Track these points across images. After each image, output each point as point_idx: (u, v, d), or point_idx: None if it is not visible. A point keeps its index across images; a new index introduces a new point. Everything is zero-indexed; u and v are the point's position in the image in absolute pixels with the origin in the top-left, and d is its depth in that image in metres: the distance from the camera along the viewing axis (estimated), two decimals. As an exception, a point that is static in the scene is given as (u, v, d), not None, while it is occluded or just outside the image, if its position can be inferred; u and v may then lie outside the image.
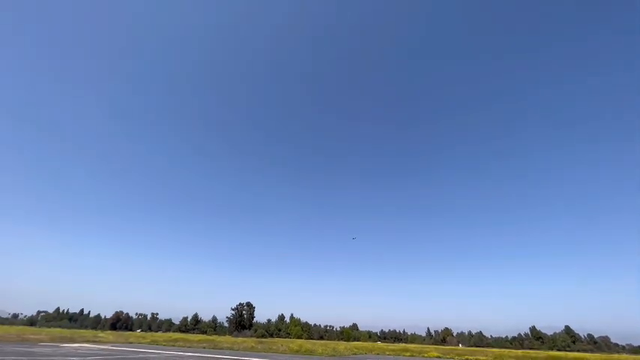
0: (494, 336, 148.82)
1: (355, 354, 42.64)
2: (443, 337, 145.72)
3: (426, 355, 45.42)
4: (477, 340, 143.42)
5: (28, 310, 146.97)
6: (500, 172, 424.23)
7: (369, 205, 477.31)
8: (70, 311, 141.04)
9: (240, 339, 66.72)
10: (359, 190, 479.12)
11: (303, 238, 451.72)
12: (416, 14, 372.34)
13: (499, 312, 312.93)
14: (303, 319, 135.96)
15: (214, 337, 75.88)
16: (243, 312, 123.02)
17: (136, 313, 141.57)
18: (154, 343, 43.73)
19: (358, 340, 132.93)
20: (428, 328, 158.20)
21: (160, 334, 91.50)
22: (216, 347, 41.29)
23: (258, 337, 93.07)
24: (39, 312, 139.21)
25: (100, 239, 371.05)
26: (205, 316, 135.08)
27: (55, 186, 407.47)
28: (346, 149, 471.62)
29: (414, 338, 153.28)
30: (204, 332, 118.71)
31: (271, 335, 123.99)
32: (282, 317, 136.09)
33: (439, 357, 41.63)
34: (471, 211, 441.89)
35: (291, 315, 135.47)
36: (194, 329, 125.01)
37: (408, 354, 46.98)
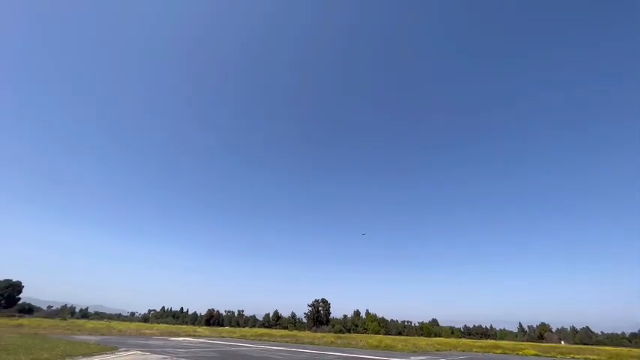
0: (605, 332, 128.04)
1: (438, 350, 40.71)
2: (539, 334, 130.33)
3: (520, 352, 41.23)
4: (584, 336, 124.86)
5: (142, 309, 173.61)
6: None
7: (448, 199, 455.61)
8: (173, 309, 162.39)
9: (319, 334, 69.02)
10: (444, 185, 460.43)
11: (377, 235, 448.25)
12: (423, 14, 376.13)
13: (609, 304, 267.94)
14: (379, 315, 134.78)
15: (295, 332, 79.84)
16: (319, 308, 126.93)
17: (225, 311, 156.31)
18: (243, 338, 47.74)
19: (439, 336, 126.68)
20: (520, 323, 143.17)
21: (246, 329, 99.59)
22: (298, 342, 43.32)
23: (336, 333, 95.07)
24: (149, 310, 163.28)
25: (194, 247, 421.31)
26: (284, 313, 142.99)
27: (148, 204, 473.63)
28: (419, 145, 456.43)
29: (504, 334, 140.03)
30: (285, 327, 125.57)
31: (348, 331, 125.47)
32: (357, 313, 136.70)
33: (537, 355, 37.42)
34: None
35: (367, 310, 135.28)
36: (276, 325, 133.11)
37: (499, 351, 43.18)
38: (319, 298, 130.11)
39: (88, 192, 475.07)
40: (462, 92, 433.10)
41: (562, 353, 40.97)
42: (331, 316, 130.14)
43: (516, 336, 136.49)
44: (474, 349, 44.95)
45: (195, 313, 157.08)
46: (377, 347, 37.51)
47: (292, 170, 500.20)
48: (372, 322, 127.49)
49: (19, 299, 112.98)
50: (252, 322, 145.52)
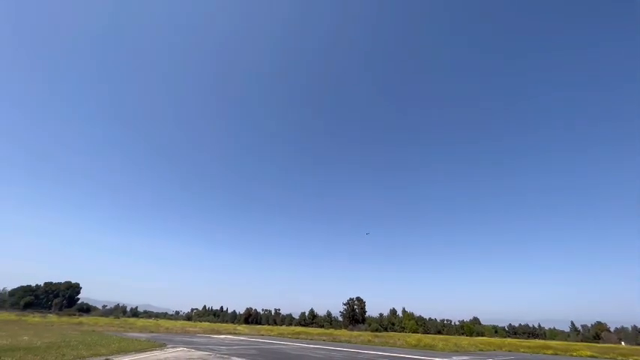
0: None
1: (482, 350, 38.94)
2: (595, 333, 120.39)
3: (575, 353, 38.30)
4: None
5: (185, 308, 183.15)
6: None
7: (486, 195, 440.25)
8: (213, 308, 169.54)
9: (355, 332, 68.71)
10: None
11: (407, 235, 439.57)
12: (426, 19, 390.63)
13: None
14: (416, 314, 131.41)
15: (331, 330, 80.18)
16: (355, 306, 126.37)
17: (263, 309, 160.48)
18: (281, 336, 48.72)
19: (482, 335, 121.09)
20: (572, 322, 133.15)
21: (283, 327, 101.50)
22: (335, 340, 43.41)
23: (372, 331, 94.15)
24: (192, 309, 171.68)
25: (231, 249, 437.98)
26: (319, 311, 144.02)
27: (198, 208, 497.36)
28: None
29: (554, 334, 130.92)
30: (321, 326, 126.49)
31: (385, 329, 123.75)
32: (393, 312, 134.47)
33: (594, 357, 34.56)
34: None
35: (403, 309, 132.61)
36: (312, 323, 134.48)
37: (550, 352, 40.42)
38: (354, 296, 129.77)
39: (136, 201, 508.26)
40: (465, 93, 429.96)
41: (623, 355, 37.43)
42: (367, 314, 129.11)
43: (568, 336, 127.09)
44: (521, 350, 42.45)
45: (234, 312, 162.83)
46: (416, 346, 36.64)
47: (326, 172, 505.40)
48: (409, 320, 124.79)
49: (78, 299, 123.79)
50: (288, 320, 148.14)
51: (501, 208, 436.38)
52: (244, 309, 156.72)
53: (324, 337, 46.53)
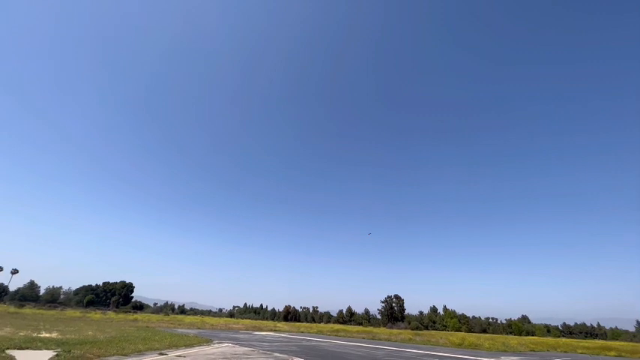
0: None
1: (533, 350, 36.58)
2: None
3: (643, 355, 34.67)
4: None
5: (227, 306, 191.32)
6: None
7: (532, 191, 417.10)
8: (254, 306, 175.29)
9: (395, 330, 67.61)
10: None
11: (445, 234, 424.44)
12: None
13: None
14: (458, 312, 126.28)
15: (370, 328, 79.56)
16: (393, 304, 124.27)
17: (301, 307, 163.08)
18: (320, 333, 49.23)
19: (532, 334, 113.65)
20: (638, 321, 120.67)
21: (322, 325, 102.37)
22: (375, 338, 43.05)
23: (412, 329, 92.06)
24: (234, 307, 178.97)
25: (270, 248, 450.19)
26: (357, 309, 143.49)
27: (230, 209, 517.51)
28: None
29: (616, 334, 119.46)
30: (359, 324, 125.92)
31: (426, 327, 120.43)
32: (434, 309, 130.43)
33: (668, 359, 31.06)
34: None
35: (444, 307, 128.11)
36: (350, 321, 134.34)
37: (613, 353, 36.96)
38: (391, 294, 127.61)
39: (181, 206, 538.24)
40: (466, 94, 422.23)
41: None
42: (405, 312, 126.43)
43: (634, 336, 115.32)
44: (579, 350, 39.26)
45: (273, 309, 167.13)
46: (460, 345, 35.27)
47: (364, 175, 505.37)
48: (451, 318, 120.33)
49: (132, 297, 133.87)
50: (326, 318, 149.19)
51: (553, 205, 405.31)
52: (283, 307, 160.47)
53: (364, 335, 46.32)
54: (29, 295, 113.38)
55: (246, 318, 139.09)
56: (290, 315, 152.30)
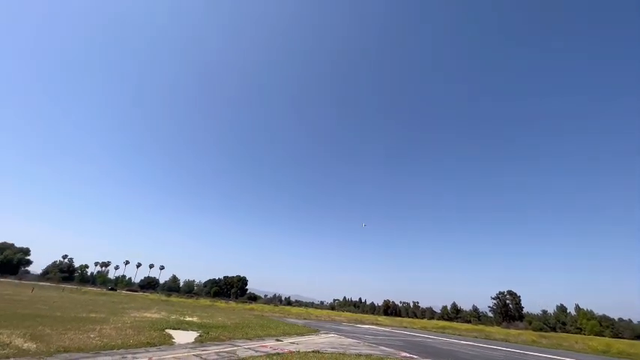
0: None
1: None
2: None
3: None
4: None
5: (328, 298, 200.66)
6: None
7: None
8: (353, 299, 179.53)
9: (513, 330, 59.97)
10: None
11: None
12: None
13: None
14: (596, 312, 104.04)
15: (481, 326, 72.43)
16: (507, 301, 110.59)
17: (400, 302, 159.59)
18: (424, 329, 47.21)
19: None
20: None
21: (425, 320, 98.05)
22: (488, 337, 39.10)
23: (534, 330, 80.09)
24: (334, 300, 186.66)
25: (367, 243, 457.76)
26: (462, 305, 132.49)
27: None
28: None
29: None
30: (467, 321, 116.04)
31: (552, 329, 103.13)
32: (562, 308, 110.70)
33: None
34: None
35: (576, 306, 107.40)
36: (456, 318, 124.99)
37: None
38: (504, 290, 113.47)
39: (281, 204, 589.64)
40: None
41: None
42: (525, 311, 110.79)
43: None
44: None
45: (372, 303, 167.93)
46: (606, 353, 29.15)
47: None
48: (587, 320, 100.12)
49: (247, 290, 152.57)
50: (429, 314, 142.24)
51: None
52: (381, 301, 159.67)
53: (475, 334, 42.54)
54: (173, 287, 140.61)
55: (346, 311, 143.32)
56: (390, 309, 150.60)
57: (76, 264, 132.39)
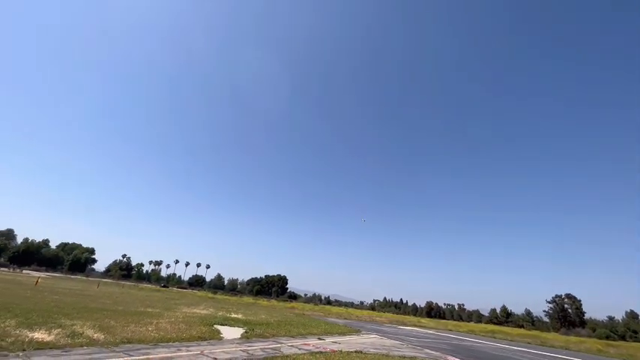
0: None
1: None
2: None
3: None
4: None
5: (367, 299, 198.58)
6: None
7: None
8: (393, 300, 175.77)
9: (573, 338, 54.74)
10: None
11: None
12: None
13: None
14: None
15: (536, 332, 67.04)
16: (565, 305, 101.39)
17: (444, 303, 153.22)
18: (471, 333, 44.84)
19: None
20: None
21: (472, 324, 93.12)
22: (544, 344, 36.13)
23: (599, 338, 72.42)
24: (374, 300, 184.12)
25: (415, 246, 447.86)
26: (513, 308, 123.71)
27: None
28: None
29: None
30: (519, 326, 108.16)
31: (622, 338, 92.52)
32: (632, 315, 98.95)
33: None
34: None
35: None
36: (506, 322, 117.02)
37: None
38: (561, 293, 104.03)
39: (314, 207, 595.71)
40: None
41: None
42: (587, 316, 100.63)
43: None
44: None
45: (414, 305, 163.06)
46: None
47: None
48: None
49: (287, 288, 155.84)
50: (475, 317, 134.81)
51: None
52: (424, 302, 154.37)
53: (529, 340, 39.52)
54: (218, 284, 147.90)
55: (387, 312, 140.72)
56: (433, 311, 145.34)
57: (133, 262, 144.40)
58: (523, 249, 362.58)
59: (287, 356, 10.04)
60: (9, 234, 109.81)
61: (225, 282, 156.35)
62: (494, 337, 40.21)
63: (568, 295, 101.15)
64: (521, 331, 67.47)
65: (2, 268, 68.93)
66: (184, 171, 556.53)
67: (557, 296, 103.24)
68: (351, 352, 12.48)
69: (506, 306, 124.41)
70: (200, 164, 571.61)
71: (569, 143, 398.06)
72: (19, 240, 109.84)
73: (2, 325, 9.22)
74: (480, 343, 27.92)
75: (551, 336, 53.02)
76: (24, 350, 7.07)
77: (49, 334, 8.95)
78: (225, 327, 16.11)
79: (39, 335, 8.58)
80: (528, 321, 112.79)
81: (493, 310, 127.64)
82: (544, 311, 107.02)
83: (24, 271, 70.10)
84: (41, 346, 7.55)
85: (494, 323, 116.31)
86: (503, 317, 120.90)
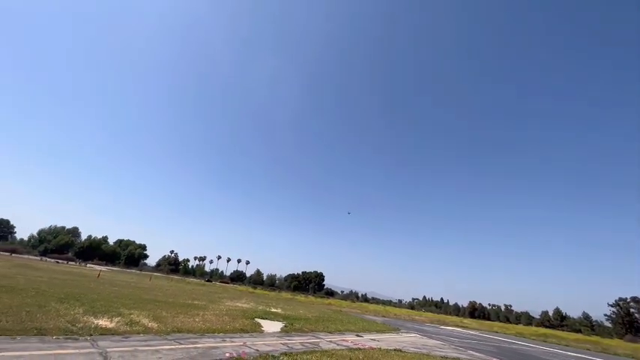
0: None
1: None
2: None
3: None
4: None
5: (406, 297, 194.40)
6: None
7: None
8: (433, 299, 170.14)
9: (641, 346, 49.18)
10: None
11: None
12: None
13: None
14: None
15: (596, 338, 61.17)
16: (631, 309, 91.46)
17: (489, 304, 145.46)
18: (520, 336, 42.08)
19: None
20: None
21: (521, 326, 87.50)
22: (606, 351, 32.89)
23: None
24: (413, 299, 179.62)
25: (453, 238, 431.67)
26: (568, 311, 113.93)
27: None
28: None
29: None
30: (576, 330, 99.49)
31: None
32: None
33: None
34: None
35: None
36: (560, 326, 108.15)
37: None
38: (625, 296, 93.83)
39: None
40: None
41: None
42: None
43: None
44: None
45: (456, 304, 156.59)
46: None
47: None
48: None
49: (324, 285, 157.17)
50: (525, 319, 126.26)
51: None
52: (466, 302, 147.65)
53: (588, 346, 36.21)
54: (257, 280, 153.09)
55: (427, 311, 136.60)
56: (477, 312, 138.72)
57: (180, 258, 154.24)
58: (582, 248, 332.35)
59: (325, 351, 10.17)
60: (75, 232, 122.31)
61: (264, 277, 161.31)
62: (546, 342, 37.38)
63: (634, 299, 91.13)
64: (579, 336, 62.10)
65: (71, 262, 77.13)
66: (225, 172, 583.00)
67: (621, 299, 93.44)
68: (390, 350, 12.32)
69: (560, 309, 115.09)
70: (256, 166, 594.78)
71: None
72: (83, 237, 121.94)
73: (72, 313, 10.35)
74: (530, 347, 26.17)
75: (614, 342, 48.20)
76: (91, 335, 7.89)
77: (111, 321, 9.89)
78: (266, 320, 16.66)
79: (102, 322, 9.52)
80: (587, 325, 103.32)
81: (545, 313, 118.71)
82: (605, 315, 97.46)
83: (88, 265, 77.77)
84: (105, 332, 8.38)
85: (546, 326, 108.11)
86: (557, 320, 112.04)
